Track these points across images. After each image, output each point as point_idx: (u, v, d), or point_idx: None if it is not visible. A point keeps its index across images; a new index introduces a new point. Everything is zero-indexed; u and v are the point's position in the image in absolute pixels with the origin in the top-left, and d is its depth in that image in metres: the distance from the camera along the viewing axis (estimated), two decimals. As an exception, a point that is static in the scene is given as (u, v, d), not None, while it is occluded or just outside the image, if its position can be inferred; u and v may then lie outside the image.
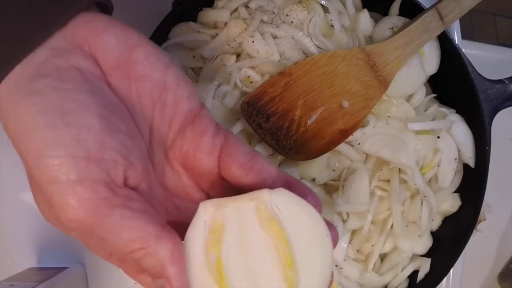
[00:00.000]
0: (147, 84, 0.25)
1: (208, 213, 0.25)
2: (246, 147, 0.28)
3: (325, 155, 0.46)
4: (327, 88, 0.45)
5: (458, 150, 0.50)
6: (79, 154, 0.22)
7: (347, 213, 0.47)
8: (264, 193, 0.25)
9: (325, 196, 0.48)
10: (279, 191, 0.26)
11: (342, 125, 0.45)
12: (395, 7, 0.53)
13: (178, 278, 0.24)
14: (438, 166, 0.49)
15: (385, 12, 0.54)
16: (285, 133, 0.44)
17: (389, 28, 0.51)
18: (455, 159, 0.50)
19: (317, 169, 0.48)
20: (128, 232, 0.23)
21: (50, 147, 0.21)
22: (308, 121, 0.44)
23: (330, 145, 0.46)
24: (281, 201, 0.25)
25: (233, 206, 0.25)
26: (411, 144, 0.47)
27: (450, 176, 0.50)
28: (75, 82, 0.23)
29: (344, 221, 0.47)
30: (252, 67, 0.50)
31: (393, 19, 0.52)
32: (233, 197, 0.26)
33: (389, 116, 0.49)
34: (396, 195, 0.47)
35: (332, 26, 0.53)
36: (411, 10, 0.51)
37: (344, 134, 0.46)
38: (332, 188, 0.49)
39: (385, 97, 0.49)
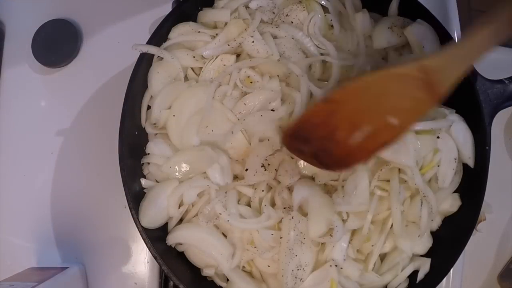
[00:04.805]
0: None
1: None
2: None
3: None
4: (376, 107, 0.41)
5: (458, 150, 0.50)
6: None
7: (347, 213, 0.48)
8: None
9: (325, 196, 0.48)
10: None
11: (385, 139, 0.42)
12: (393, 6, 0.53)
13: None
14: (438, 166, 0.49)
15: (385, 12, 0.54)
16: (327, 154, 0.42)
17: (389, 28, 0.51)
18: (455, 159, 0.50)
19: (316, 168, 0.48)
20: None
21: None
22: (351, 140, 0.41)
23: (368, 156, 0.43)
24: None
25: None
26: (411, 144, 0.47)
27: (450, 176, 0.50)
28: None
29: (344, 221, 0.47)
30: (252, 67, 0.51)
31: (393, 19, 0.52)
32: None
33: (389, 116, 0.49)
34: (396, 195, 0.47)
35: (332, 26, 0.53)
36: (410, 10, 0.51)
37: (384, 147, 0.42)
38: (332, 188, 0.49)
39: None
